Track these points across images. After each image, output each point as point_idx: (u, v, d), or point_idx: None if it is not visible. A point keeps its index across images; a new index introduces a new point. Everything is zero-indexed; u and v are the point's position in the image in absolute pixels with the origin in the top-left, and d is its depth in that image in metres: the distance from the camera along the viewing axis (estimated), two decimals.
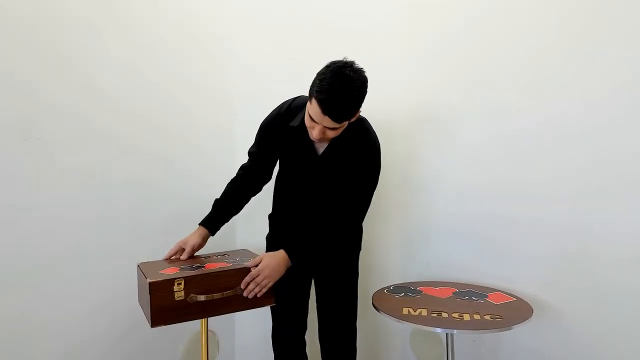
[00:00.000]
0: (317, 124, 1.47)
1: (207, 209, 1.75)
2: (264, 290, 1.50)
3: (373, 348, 2.20)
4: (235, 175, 1.80)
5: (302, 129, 1.59)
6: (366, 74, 1.46)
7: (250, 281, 1.49)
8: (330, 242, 1.61)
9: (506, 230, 1.90)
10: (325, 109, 1.41)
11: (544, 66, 1.79)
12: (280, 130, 1.66)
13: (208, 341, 1.58)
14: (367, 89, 1.47)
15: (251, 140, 1.79)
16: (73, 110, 1.68)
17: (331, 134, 1.51)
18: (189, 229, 1.72)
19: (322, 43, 2.11)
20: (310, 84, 1.49)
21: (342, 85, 1.40)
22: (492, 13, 1.89)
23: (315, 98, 1.42)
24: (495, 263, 1.92)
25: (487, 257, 1.94)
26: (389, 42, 2.09)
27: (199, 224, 1.72)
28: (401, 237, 2.14)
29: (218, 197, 1.77)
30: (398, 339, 2.15)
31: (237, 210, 1.79)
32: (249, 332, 2.27)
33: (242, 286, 1.49)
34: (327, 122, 1.44)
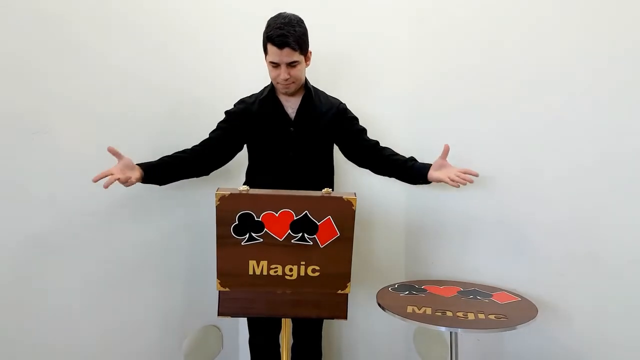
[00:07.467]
0: (279, 65, 1.63)
1: (207, 204, 1.76)
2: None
3: (377, 346, 2.20)
4: (191, 147, 1.78)
5: (272, 99, 1.76)
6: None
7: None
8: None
9: (512, 230, 1.89)
10: (281, 42, 1.60)
11: (549, 65, 1.78)
12: (250, 109, 1.78)
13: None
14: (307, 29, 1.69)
15: None
16: (81, 105, 1.69)
17: (296, 72, 1.66)
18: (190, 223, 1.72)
19: (322, 41, 2.10)
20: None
21: (284, 20, 1.62)
22: (494, 10, 1.88)
23: (269, 39, 1.62)
24: (500, 262, 1.92)
25: (492, 256, 1.94)
26: (390, 41, 2.07)
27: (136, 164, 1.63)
28: (406, 235, 2.14)
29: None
30: (402, 337, 2.15)
31: (177, 175, 1.74)
32: None
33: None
34: (287, 54, 1.61)
